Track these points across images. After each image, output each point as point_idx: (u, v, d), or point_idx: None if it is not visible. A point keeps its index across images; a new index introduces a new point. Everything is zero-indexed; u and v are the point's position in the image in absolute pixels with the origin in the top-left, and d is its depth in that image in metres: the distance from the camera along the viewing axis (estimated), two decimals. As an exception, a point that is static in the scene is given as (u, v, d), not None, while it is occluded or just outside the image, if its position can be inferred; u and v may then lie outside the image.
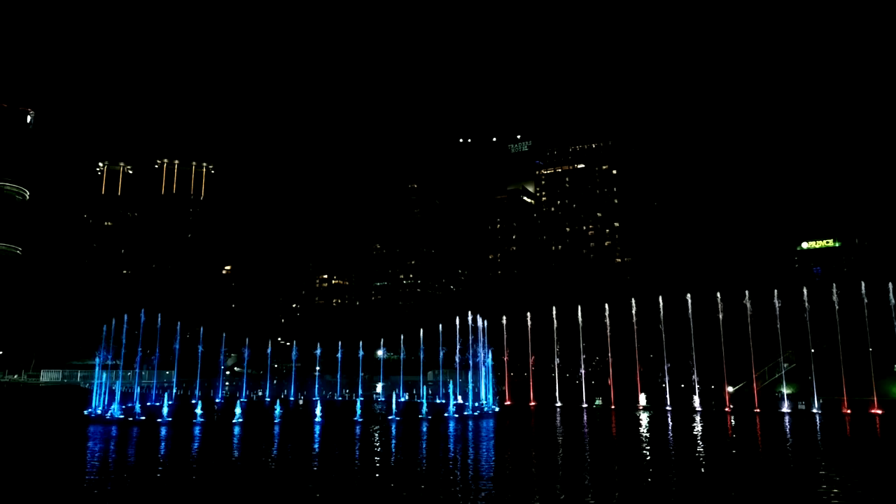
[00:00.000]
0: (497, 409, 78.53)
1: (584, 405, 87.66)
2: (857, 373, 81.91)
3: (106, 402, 68.63)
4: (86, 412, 67.36)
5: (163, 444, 47.97)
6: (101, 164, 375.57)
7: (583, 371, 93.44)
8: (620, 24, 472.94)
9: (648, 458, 40.62)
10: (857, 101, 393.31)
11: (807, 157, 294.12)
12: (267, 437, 51.33)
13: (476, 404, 78.65)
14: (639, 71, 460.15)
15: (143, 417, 63.59)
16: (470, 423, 64.86)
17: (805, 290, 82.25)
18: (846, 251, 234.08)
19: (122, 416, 63.58)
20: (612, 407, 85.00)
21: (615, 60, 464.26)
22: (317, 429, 57.96)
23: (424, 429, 58.56)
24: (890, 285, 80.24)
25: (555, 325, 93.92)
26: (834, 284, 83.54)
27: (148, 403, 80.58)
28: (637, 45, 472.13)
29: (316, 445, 48.03)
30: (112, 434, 52.64)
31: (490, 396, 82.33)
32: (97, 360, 78.12)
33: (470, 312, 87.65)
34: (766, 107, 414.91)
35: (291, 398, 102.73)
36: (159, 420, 60.86)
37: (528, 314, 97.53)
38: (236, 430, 56.09)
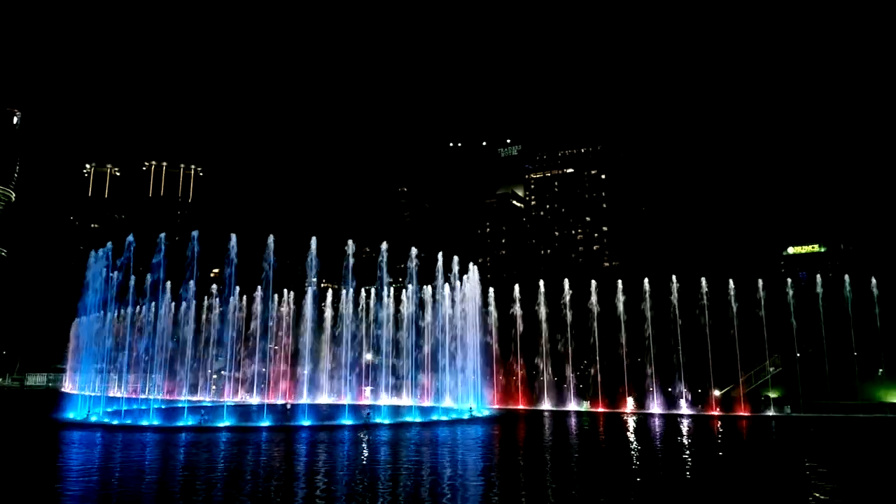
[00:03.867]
0: (486, 414, 78.11)
1: (572, 409, 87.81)
2: (842, 376, 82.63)
3: (90, 406, 67.88)
4: (66, 416, 66.27)
5: (146, 451, 47.44)
6: (87, 166, 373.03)
7: (571, 375, 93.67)
8: (609, 30, 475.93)
9: (638, 465, 40.71)
10: (844, 108, 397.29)
11: (792, 162, 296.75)
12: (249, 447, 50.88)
13: (466, 408, 78.34)
14: (627, 77, 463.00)
15: (129, 422, 62.78)
16: (440, 431, 64.48)
17: (791, 295, 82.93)
18: (832, 256, 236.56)
19: (105, 421, 62.82)
20: (600, 410, 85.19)
21: (604, 66, 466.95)
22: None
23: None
24: (874, 290, 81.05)
25: (543, 327, 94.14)
26: (819, 289, 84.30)
27: (134, 407, 79.74)
28: (626, 51, 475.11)
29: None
30: (85, 441, 51.23)
31: (479, 400, 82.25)
32: (78, 363, 77.30)
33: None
34: (754, 112, 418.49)
35: (279, 402, 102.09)
36: (145, 424, 60.24)
37: (517, 316, 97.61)
38: (223, 436, 55.60)
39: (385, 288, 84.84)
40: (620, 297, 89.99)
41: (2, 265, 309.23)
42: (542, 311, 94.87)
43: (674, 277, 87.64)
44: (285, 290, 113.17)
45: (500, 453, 46.67)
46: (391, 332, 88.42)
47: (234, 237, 70.51)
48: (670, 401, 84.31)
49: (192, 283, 77.26)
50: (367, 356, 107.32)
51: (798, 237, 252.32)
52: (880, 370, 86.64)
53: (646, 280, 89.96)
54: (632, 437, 56.75)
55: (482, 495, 29.78)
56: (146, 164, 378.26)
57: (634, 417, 76.39)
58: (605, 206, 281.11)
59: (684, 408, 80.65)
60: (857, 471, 38.20)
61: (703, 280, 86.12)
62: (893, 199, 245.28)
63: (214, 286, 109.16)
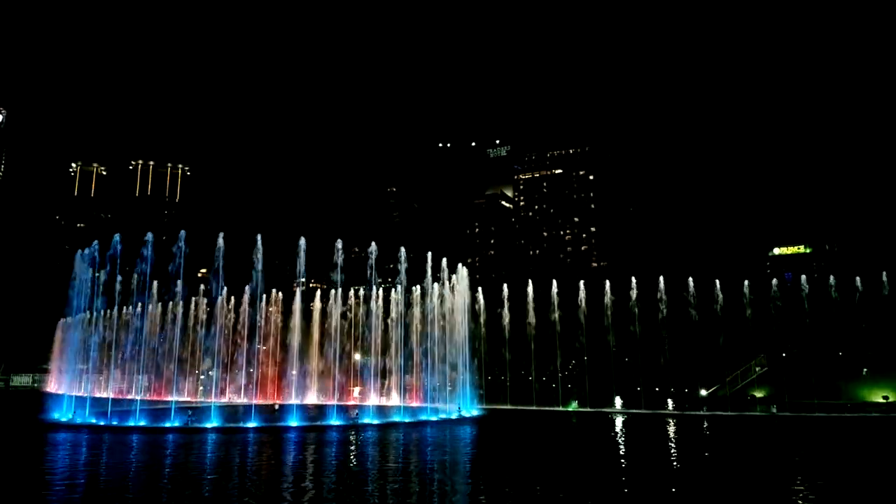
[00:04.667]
0: (474, 414, 78.17)
1: (560, 408, 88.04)
2: (827, 376, 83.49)
3: (76, 407, 67.29)
4: (51, 417, 65.65)
5: (132, 452, 47.18)
6: (74, 165, 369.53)
7: (559, 375, 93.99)
8: (598, 31, 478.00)
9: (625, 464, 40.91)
10: (830, 110, 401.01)
11: (778, 163, 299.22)
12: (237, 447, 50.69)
13: (455, 408, 78.39)
14: (616, 78, 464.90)
15: (115, 422, 62.24)
16: (427, 431, 64.53)
17: (776, 295, 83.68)
18: (817, 257, 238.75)
19: (91, 422, 62.29)
20: (588, 410, 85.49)
21: (593, 68, 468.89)
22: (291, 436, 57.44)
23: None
24: (858, 290, 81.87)
25: (532, 327, 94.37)
26: (804, 290, 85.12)
27: (120, 408, 79.10)
28: (614, 52, 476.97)
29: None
30: (70, 442, 50.78)
31: (467, 400, 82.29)
32: (64, 363, 76.60)
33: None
34: (741, 114, 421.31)
35: (267, 402, 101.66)
36: (131, 425, 59.80)
37: (505, 316, 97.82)
38: (210, 437, 55.34)
39: (374, 288, 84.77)
40: (608, 298, 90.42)
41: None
42: (531, 312, 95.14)
43: (661, 278, 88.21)
44: (274, 291, 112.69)
45: (486, 453, 46.80)
46: (380, 332, 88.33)
47: (221, 237, 70.31)
48: (657, 400, 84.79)
49: (179, 282, 76.88)
50: (356, 356, 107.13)
51: (784, 238, 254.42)
52: (864, 370, 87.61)
53: (633, 281, 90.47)
54: (617, 436, 57.06)
55: (466, 494, 29.88)
56: (133, 163, 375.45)
57: (622, 417, 76.77)
58: (593, 206, 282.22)
59: (671, 407, 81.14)
60: (838, 470, 38.63)
61: (690, 280, 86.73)
62: (878, 200, 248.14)
63: (202, 286, 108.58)
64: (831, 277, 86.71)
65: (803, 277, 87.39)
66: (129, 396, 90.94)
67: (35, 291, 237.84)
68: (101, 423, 61.54)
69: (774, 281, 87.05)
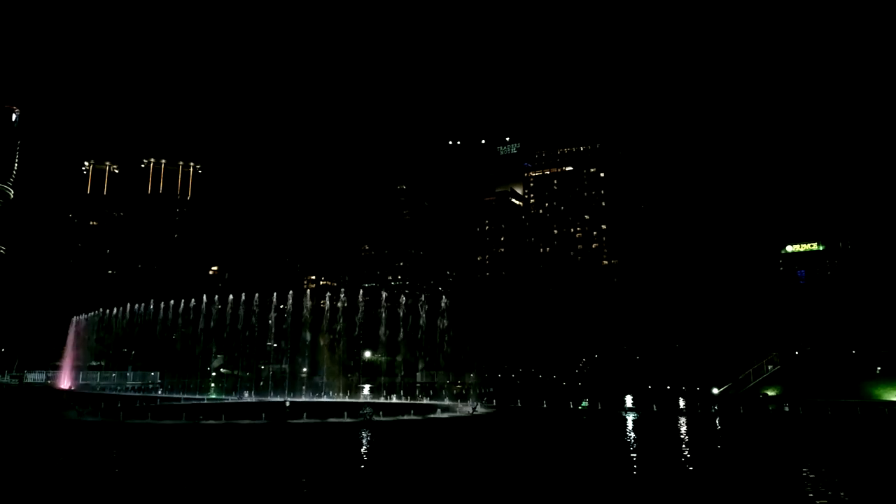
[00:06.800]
0: (486, 411, 78.06)
1: (571, 406, 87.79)
2: (840, 374, 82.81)
3: (88, 403, 67.83)
4: (61, 413, 66.23)
5: (141, 447, 47.55)
6: (86, 164, 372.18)
7: (571, 372, 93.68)
8: (608, 28, 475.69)
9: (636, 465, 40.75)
10: (843, 105, 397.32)
11: (791, 159, 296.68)
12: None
13: (466, 406, 78.35)
14: (627, 74, 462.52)
15: (124, 418, 62.54)
16: (438, 428, 64.46)
17: (789, 293, 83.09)
18: (830, 254, 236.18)
19: (100, 418, 62.70)
20: (599, 408, 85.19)
21: (603, 64, 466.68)
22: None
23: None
24: (872, 288, 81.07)
25: (543, 325, 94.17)
26: (817, 287, 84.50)
27: (137, 405, 79.64)
28: (625, 49, 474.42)
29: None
30: (80, 438, 51.29)
31: (479, 398, 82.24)
32: (77, 360, 77.24)
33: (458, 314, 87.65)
34: (753, 110, 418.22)
35: (278, 399, 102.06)
36: (141, 421, 60.18)
37: (516, 315, 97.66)
38: (221, 433, 55.63)
39: (384, 286, 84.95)
40: (619, 295, 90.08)
41: (1, 263, 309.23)
42: (540, 310, 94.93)
43: (671, 276, 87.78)
44: (284, 288, 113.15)
45: (496, 449, 46.75)
46: (390, 330, 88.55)
47: (232, 235, 70.64)
48: (669, 399, 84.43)
49: (190, 280, 77.33)
50: (367, 354, 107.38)
51: (796, 235, 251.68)
52: (878, 368, 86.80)
53: (644, 279, 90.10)
54: (628, 434, 56.82)
55: (473, 489, 29.84)
56: (145, 161, 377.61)
57: (633, 415, 76.46)
58: (604, 204, 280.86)
59: (682, 405, 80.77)
60: (852, 470, 38.29)
61: (702, 279, 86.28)
62: (892, 197, 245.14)
63: (213, 283, 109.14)
64: (844, 275, 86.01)
65: (816, 275, 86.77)
66: (141, 393, 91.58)
67: (48, 289, 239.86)
68: (110, 419, 61.87)
69: (787, 279, 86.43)
